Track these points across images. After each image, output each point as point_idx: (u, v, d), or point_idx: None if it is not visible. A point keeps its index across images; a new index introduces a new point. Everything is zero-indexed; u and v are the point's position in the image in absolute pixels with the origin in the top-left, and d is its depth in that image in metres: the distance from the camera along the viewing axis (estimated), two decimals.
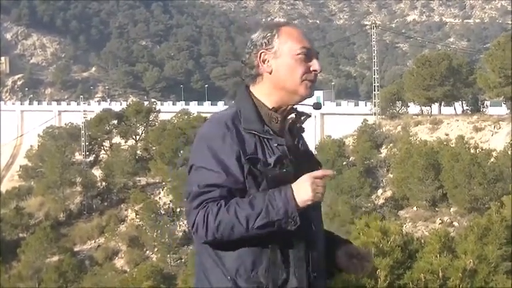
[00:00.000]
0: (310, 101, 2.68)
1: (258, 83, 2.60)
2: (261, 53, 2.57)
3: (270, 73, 2.57)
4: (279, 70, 2.56)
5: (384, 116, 55.48)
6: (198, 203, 2.41)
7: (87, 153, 63.75)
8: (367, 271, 2.67)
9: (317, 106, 2.71)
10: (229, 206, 2.38)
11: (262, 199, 2.38)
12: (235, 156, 2.44)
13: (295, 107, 2.63)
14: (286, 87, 2.57)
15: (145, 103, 70.59)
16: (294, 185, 2.39)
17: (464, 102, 54.55)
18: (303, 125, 2.66)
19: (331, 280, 2.74)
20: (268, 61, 2.57)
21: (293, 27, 2.63)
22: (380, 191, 45.02)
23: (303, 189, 2.38)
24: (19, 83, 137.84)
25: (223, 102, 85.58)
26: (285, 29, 2.60)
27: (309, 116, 2.65)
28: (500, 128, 46.42)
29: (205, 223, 2.38)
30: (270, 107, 2.57)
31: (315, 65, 2.58)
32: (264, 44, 2.57)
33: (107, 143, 65.52)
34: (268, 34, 2.58)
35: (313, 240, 2.54)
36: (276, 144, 2.50)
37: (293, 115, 2.62)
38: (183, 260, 44.01)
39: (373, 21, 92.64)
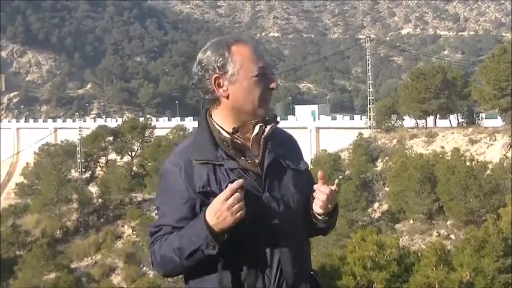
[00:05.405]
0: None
1: (217, 107, 2.55)
2: (215, 78, 2.50)
3: (227, 98, 2.51)
4: (236, 94, 2.50)
5: (379, 130, 55.51)
6: (150, 242, 2.51)
7: (83, 170, 63.55)
8: (329, 200, 2.50)
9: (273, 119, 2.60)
10: (166, 240, 2.46)
11: (185, 229, 2.42)
12: (185, 194, 2.45)
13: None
14: (245, 110, 2.51)
15: (141, 119, 70.37)
16: (208, 209, 2.37)
17: (459, 114, 54.49)
18: (272, 134, 2.55)
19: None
20: (223, 85, 2.50)
21: (244, 44, 2.53)
22: (376, 204, 44.94)
23: (220, 217, 2.34)
24: (15, 100, 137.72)
25: None
26: (236, 49, 2.50)
27: (276, 122, 2.59)
28: (495, 140, 46.44)
29: (154, 260, 2.50)
30: (230, 129, 2.51)
31: (272, 82, 2.53)
32: (217, 69, 2.49)
33: (102, 160, 65.36)
34: (220, 58, 2.49)
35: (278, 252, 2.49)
36: (228, 168, 2.47)
37: (257, 128, 2.54)
38: (180, 276, 43.74)
39: (368, 35, 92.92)
